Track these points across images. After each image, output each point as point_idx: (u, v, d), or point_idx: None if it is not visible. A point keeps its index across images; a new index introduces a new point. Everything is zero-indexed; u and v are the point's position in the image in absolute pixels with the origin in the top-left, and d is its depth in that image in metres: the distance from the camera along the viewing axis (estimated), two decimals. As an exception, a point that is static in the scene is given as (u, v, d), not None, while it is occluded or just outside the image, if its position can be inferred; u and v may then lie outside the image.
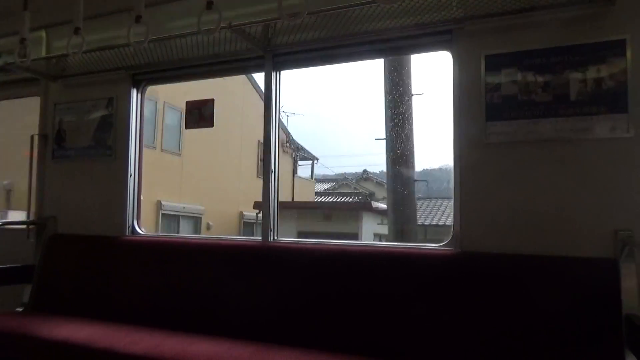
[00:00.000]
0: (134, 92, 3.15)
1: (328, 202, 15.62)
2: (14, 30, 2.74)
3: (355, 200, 15.44)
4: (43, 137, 3.40)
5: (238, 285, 2.53)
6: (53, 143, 3.37)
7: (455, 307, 2.09)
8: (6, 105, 3.97)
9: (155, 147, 11.17)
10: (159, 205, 11.32)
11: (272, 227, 2.69)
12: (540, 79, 2.12)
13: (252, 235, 11.91)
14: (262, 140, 2.77)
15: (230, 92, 11.86)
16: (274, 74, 2.76)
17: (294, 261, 2.45)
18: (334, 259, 2.37)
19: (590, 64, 2.05)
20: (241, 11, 2.58)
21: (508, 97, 2.17)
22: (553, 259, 2.01)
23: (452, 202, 2.32)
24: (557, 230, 2.05)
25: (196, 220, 12.73)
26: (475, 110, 2.23)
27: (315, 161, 18.07)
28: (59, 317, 2.73)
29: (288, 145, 15.86)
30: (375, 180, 18.04)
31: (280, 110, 2.81)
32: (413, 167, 6.38)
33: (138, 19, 2.30)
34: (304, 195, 15.93)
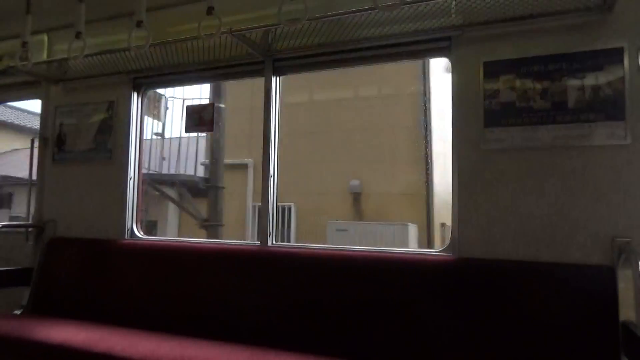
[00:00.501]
0: (135, 95, 3.17)
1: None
2: (16, 33, 2.76)
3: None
4: (43, 140, 3.41)
5: (236, 289, 2.53)
6: (53, 146, 3.38)
7: (452, 312, 2.09)
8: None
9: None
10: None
11: (270, 231, 2.69)
12: (538, 86, 2.13)
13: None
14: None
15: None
16: (273, 79, 2.78)
17: (293, 265, 2.46)
18: (332, 264, 2.37)
19: (588, 72, 2.06)
20: (241, 17, 2.60)
21: (506, 103, 2.18)
22: (550, 265, 2.02)
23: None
24: (555, 237, 2.06)
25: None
26: (473, 116, 2.24)
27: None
28: (57, 320, 2.72)
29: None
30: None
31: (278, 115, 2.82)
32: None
33: (139, 24, 2.31)
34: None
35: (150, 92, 3.34)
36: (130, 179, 3.12)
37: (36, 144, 3.47)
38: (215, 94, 6.64)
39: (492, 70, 2.22)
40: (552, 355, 1.91)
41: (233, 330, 2.44)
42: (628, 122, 1.98)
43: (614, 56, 2.02)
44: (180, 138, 8.66)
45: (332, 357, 2.13)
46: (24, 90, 3.61)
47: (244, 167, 9.41)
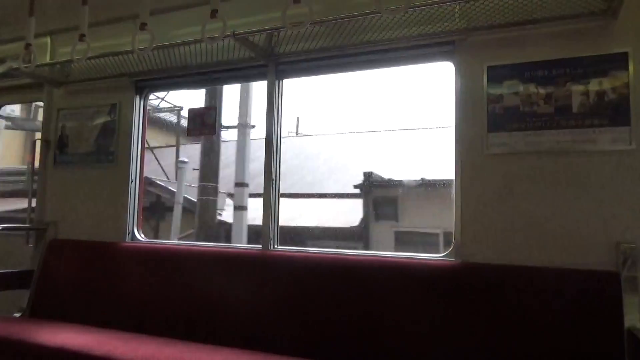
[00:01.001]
0: (137, 98, 3.16)
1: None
2: (20, 35, 2.77)
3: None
4: (45, 142, 3.41)
5: (237, 294, 2.52)
6: (55, 148, 3.37)
7: (454, 317, 2.07)
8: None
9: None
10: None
11: (272, 235, 2.68)
12: (542, 90, 2.13)
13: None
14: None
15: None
16: (276, 82, 2.77)
17: (294, 270, 2.44)
18: (334, 268, 2.36)
19: (593, 77, 2.05)
20: (245, 20, 2.60)
21: (510, 108, 2.17)
22: (554, 271, 2.00)
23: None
24: (559, 242, 2.04)
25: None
26: (477, 121, 2.23)
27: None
28: (57, 323, 2.71)
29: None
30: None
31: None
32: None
33: (143, 27, 2.31)
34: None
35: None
36: (131, 181, 3.11)
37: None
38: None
39: (496, 74, 2.21)
40: None
41: (234, 335, 2.43)
42: (632, 127, 1.97)
43: (619, 61, 2.02)
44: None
45: None
46: (27, 93, 3.61)
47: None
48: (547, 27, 2.13)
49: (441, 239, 6.01)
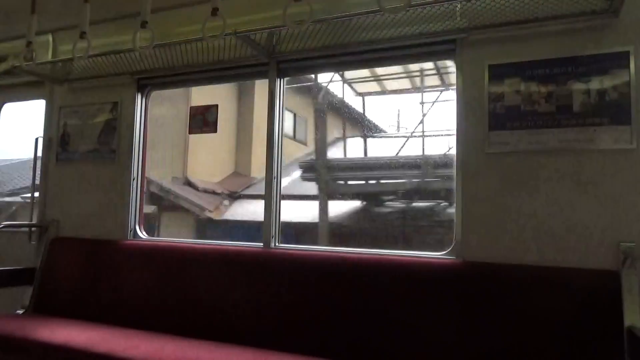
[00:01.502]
0: (139, 96, 3.17)
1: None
2: (21, 33, 2.77)
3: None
4: (47, 140, 3.42)
5: (239, 291, 2.53)
6: (57, 146, 3.38)
7: (455, 316, 2.08)
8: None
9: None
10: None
11: (273, 233, 2.69)
12: (543, 89, 2.13)
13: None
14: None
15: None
16: (277, 80, 2.78)
17: (295, 268, 2.45)
18: (335, 267, 2.36)
19: (594, 75, 2.05)
20: (246, 18, 2.60)
21: (511, 107, 2.17)
22: (554, 269, 2.01)
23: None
24: (559, 241, 2.05)
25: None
26: (478, 119, 2.23)
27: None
28: (59, 320, 2.73)
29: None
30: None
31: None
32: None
33: (144, 25, 2.31)
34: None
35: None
36: (133, 179, 3.12)
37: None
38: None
39: (497, 73, 2.21)
40: (557, 359, 1.90)
41: (236, 332, 2.44)
42: (633, 126, 1.97)
43: (620, 60, 2.02)
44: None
45: (334, 359, 2.12)
46: (28, 91, 3.62)
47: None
48: (548, 26, 2.13)
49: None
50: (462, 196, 2.25)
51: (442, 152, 5.68)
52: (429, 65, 5.62)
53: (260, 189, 2.94)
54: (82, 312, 2.87)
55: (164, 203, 7.47)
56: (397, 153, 6.32)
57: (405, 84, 6.45)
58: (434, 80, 6.07)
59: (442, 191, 5.45)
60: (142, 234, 3.11)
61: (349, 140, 7.71)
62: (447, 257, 2.26)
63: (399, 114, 7.14)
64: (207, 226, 7.63)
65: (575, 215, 2.04)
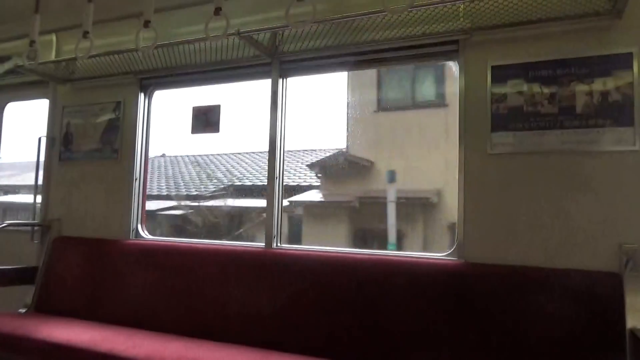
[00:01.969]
0: (142, 96, 3.18)
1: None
2: (25, 33, 2.77)
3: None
4: (50, 139, 3.43)
5: (241, 291, 2.53)
6: (60, 145, 3.39)
7: (457, 317, 2.08)
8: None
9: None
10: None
11: (275, 233, 2.69)
12: (546, 90, 2.13)
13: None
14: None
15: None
16: (280, 81, 2.78)
17: (297, 268, 2.45)
18: (337, 267, 2.36)
19: (597, 77, 2.05)
20: (249, 18, 2.61)
21: (514, 108, 2.17)
22: (556, 271, 2.00)
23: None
24: (561, 242, 2.04)
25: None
26: (480, 120, 2.23)
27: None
28: (61, 319, 2.74)
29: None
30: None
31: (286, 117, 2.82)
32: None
33: (147, 24, 2.32)
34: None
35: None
36: (135, 179, 3.12)
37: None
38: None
39: (500, 74, 2.21)
40: None
41: (237, 332, 2.44)
42: (636, 127, 1.97)
43: (623, 61, 2.01)
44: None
45: (336, 359, 2.13)
46: (31, 90, 3.63)
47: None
48: (551, 27, 2.13)
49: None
50: (464, 197, 2.25)
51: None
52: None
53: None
54: (84, 311, 2.88)
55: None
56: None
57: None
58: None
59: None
60: (144, 234, 3.12)
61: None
62: (448, 258, 2.26)
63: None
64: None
65: (578, 216, 2.03)
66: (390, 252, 2.40)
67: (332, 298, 2.32)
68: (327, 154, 7.14)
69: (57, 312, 2.93)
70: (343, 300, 2.29)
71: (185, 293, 2.67)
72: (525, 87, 2.16)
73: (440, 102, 5.95)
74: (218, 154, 8.58)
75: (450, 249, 2.29)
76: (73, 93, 3.39)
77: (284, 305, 2.40)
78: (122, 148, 3.16)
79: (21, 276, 3.10)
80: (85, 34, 2.50)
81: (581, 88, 2.07)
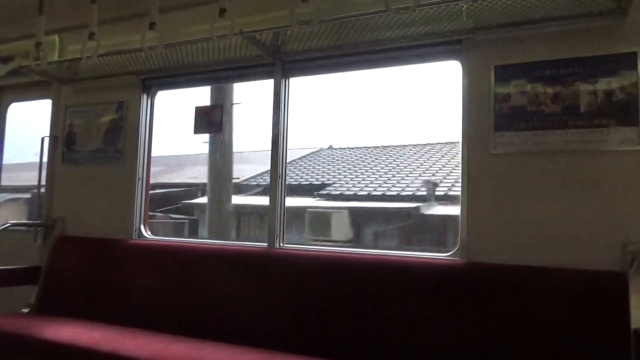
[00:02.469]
0: (145, 96, 3.18)
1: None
2: (27, 33, 2.78)
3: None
4: (53, 139, 3.44)
5: (244, 291, 2.53)
6: (63, 145, 3.40)
7: (460, 317, 2.07)
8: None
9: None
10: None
11: (278, 233, 2.69)
12: (549, 90, 2.12)
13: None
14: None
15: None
16: (283, 81, 2.78)
17: (300, 267, 2.45)
18: (340, 267, 2.36)
19: (601, 76, 2.04)
20: (252, 18, 2.60)
21: (517, 107, 2.17)
22: (561, 271, 2.00)
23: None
24: (565, 242, 2.04)
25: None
26: (483, 120, 2.22)
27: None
28: (64, 319, 2.74)
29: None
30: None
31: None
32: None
33: (152, 26, 2.32)
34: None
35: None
36: (138, 179, 3.13)
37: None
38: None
39: (504, 74, 2.20)
40: None
41: (240, 332, 2.44)
42: None
43: (627, 61, 2.01)
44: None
45: (339, 359, 2.12)
46: (35, 91, 3.64)
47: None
48: (555, 27, 2.12)
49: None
50: (467, 197, 2.24)
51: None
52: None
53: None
54: (87, 311, 2.88)
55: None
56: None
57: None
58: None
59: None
60: (147, 234, 3.12)
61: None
62: (451, 258, 2.26)
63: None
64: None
65: (582, 216, 2.02)
66: (394, 252, 2.39)
67: (335, 297, 2.31)
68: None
69: (60, 312, 2.93)
70: (346, 300, 2.28)
71: (188, 293, 2.67)
72: (528, 87, 2.16)
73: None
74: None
75: (454, 249, 2.28)
76: (76, 93, 3.40)
77: (287, 304, 2.40)
78: (125, 148, 3.16)
79: (24, 276, 3.11)
80: (91, 36, 2.50)
81: (585, 88, 2.06)
